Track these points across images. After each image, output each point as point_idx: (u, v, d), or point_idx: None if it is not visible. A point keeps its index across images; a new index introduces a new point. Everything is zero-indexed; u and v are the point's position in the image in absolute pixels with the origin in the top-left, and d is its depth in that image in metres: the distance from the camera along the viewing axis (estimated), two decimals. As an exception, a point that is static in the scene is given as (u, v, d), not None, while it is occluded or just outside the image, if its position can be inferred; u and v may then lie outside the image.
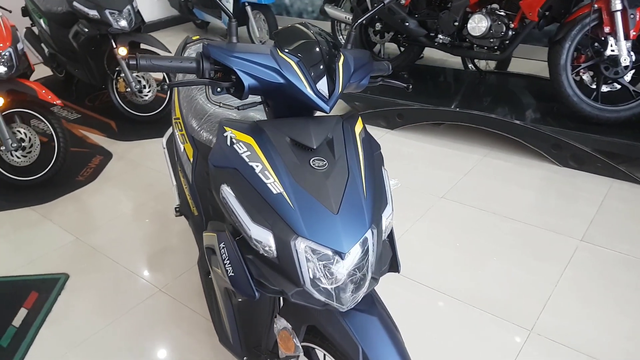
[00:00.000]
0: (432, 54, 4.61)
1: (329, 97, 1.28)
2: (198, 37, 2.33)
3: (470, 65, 4.11)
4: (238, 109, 1.40)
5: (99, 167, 3.38)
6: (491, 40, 3.39)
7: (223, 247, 1.30)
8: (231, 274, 1.28)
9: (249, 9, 5.12)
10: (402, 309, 2.19)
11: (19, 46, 2.97)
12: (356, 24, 1.48)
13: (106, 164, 3.42)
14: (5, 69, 2.88)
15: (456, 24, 3.49)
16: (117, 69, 3.77)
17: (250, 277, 1.25)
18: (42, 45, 4.15)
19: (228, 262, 1.29)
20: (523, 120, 3.25)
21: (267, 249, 1.17)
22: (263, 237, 1.16)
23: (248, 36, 5.29)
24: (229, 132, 1.28)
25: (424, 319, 2.15)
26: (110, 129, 3.85)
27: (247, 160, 1.22)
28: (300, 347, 1.32)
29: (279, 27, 5.31)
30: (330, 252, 1.12)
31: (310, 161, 1.21)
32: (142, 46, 3.81)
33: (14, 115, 3.05)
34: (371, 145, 1.36)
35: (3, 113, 2.94)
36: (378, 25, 3.97)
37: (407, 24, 3.66)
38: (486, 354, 1.98)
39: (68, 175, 3.26)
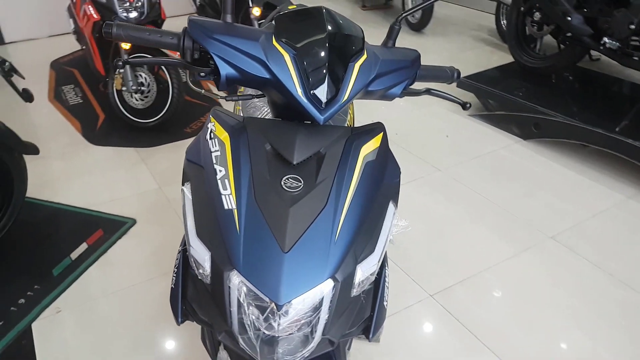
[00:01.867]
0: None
1: (327, 105, 1.01)
2: (295, 5, 2.14)
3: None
4: (226, 100, 1.19)
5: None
6: (675, 53, 2.62)
7: (179, 252, 1.15)
8: (172, 285, 1.12)
9: None
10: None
11: (154, -7, 3.09)
12: (400, 17, 1.18)
13: (216, 120, 3.47)
14: (137, 14, 3.03)
15: (632, 27, 2.76)
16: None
17: (181, 298, 1.09)
18: (196, -6, 4.31)
19: (175, 271, 1.13)
20: (694, 164, 2.49)
21: (201, 271, 0.98)
22: (201, 258, 0.97)
23: (401, 5, 4.96)
24: (212, 125, 1.09)
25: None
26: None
27: (214, 161, 1.02)
28: None
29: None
30: (266, 298, 0.89)
31: (283, 179, 0.98)
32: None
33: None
34: (382, 173, 1.06)
35: (130, 57, 3.11)
36: (537, 15, 3.35)
37: (569, 18, 3.01)
38: None
39: (179, 124, 3.38)
